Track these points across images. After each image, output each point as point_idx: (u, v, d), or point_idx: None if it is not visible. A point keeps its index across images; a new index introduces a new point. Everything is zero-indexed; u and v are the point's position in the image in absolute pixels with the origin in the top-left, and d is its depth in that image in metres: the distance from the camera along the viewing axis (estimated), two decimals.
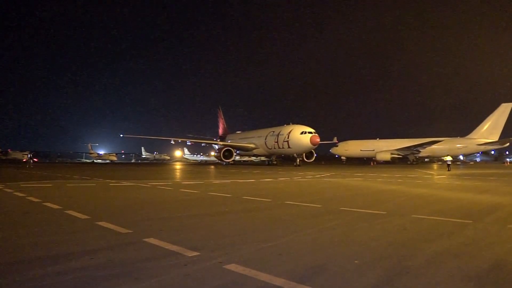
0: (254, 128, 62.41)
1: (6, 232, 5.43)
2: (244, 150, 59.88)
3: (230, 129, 75.29)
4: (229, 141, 63.58)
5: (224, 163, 54.53)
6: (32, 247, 4.51)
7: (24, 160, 68.18)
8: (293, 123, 48.95)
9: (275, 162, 58.87)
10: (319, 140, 45.39)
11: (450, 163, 33.84)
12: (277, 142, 49.30)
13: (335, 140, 71.87)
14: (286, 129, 48.32)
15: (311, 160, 54.17)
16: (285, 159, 61.52)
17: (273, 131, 51.39)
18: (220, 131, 77.21)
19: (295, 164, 46.80)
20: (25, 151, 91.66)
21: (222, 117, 77.73)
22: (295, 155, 47.93)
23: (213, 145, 70.04)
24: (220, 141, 67.25)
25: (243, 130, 68.75)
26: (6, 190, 11.91)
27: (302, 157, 50.26)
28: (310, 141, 44.28)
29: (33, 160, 67.14)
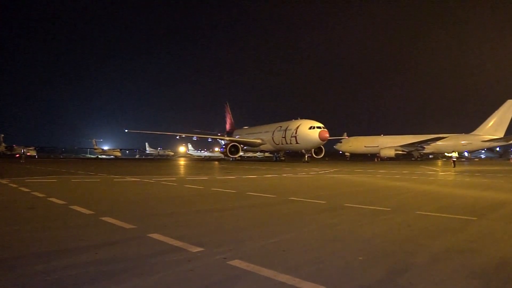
0: (263, 124, 60.27)
1: (11, 227, 5.47)
2: (250, 146, 58.29)
3: (239, 124, 73.75)
4: (237, 137, 62.16)
5: (231, 159, 52.79)
6: (37, 242, 4.54)
7: (17, 155, 68.82)
8: (301, 118, 47.11)
9: (283, 158, 56.53)
10: (328, 135, 43.67)
11: (455, 159, 33.35)
12: (284, 137, 47.56)
13: (345, 135, 71.03)
14: (294, 124, 46.54)
15: (320, 156, 51.55)
16: (293, 155, 60.23)
17: (281, 126, 49.71)
18: (228, 126, 75.72)
19: (303, 160, 45.14)
20: (30, 146, 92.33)
21: (230, 112, 76.32)
22: (303, 151, 46.25)
23: (220, 140, 69.11)
24: (228, 136, 65.58)
25: (250, 125, 67.42)
26: (11, 185, 11.99)
27: (311, 153, 48.53)
28: (318, 136, 42.65)
29: (26, 155, 67.38)
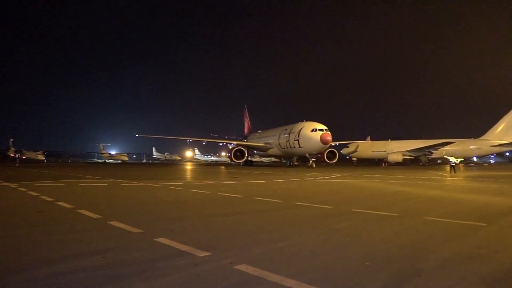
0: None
1: (20, 231, 5.53)
2: (258, 150, 56.64)
3: (258, 128, 70.44)
4: (252, 141, 60.44)
5: (241, 164, 50.45)
6: (45, 246, 4.58)
7: (12, 155, 69.90)
8: (307, 120, 44.36)
9: (296, 163, 52.19)
10: (330, 138, 40.57)
11: (453, 165, 31.62)
12: (288, 141, 45.02)
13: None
14: (297, 126, 44.06)
15: (333, 161, 48.00)
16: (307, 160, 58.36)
17: (286, 129, 47.06)
18: (246, 130, 73.67)
19: (308, 165, 42.49)
20: (38, 151, 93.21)
21: (247, 116, 74.34)
22: (307, 155, 43.10)
23: (228, 145, 68.06)
24: (245, 141, 63.66)
25: (263, 129, 64.64)
26: (20, 189, 12.11)
27: (323, 157, 46.07)
28: (320, 139, 39.84)
29: (19, 158, 68.03)
